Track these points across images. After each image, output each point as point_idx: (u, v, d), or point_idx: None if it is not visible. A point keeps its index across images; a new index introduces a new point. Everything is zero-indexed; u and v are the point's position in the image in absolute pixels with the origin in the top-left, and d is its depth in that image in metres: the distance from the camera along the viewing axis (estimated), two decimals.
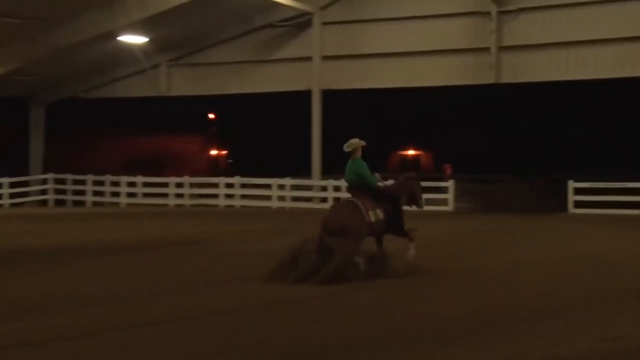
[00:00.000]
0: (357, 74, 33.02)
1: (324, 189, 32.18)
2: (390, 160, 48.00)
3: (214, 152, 51.83)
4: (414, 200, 13.38)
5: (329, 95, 33.46)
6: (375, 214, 12.54)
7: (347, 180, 12.98)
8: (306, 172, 33.26)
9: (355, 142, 12.92)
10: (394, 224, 12.82)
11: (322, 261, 11.89)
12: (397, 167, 46.83)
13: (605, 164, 33.07)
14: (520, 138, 39.10)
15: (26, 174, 37.41)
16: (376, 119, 42.74)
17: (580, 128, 37.52)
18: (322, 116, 33.24)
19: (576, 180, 28.59)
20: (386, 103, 39.98)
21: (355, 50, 32.91)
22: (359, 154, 12.94)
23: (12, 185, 34.84)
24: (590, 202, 28.16)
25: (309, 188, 33.04)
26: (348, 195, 13.03)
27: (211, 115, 51.16)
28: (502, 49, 30.64)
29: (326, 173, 32.89)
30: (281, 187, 32.62)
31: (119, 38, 32.05)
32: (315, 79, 33.23)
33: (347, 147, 12.92)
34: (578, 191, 28.55)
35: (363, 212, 12.43)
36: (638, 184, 28.04)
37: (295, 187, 32.85)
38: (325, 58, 33.25)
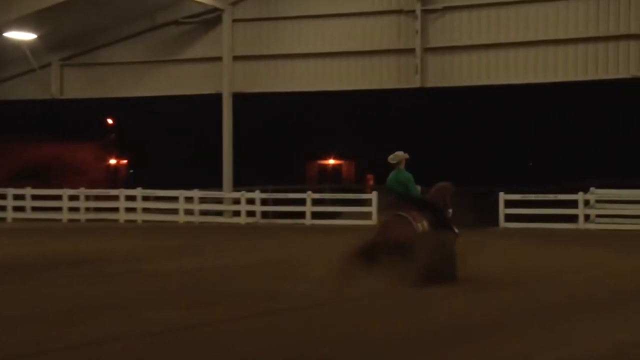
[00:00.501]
0: (272, 76, 32.83)
1: (236, 201, 31.81)
2: (308, 170, 47.73)
3: (112, 162, 50.84)
4: (444, 207, 14.63)
5: (241, 99, 33.09)
6: (422, 226, 13.98)
7: (391, 190, 14.44)
8: (217, 184, 32.87)
9: (401, 155, 14.49)
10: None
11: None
12: (316, 177, 46.61)
13: (537, 175, 33.38)
14: (448, 146, 39.28)
15: None
16: (293, 125, 42.45)
17: (511, 136, 37.90)
18: (234, 122, 32.79)
19: (507, 192, 28.62)
20: (304, 108, 39.69)
21: (270, 51, 32.62)
22: (402, 165, 14.45)
23: None
24: (522, 216, 28.22)
25: (219, 201, 32.65)
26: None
27: (109, 121, 50.14)
28: (428, 50, 30.61)
29: (239, 184, 32.57)
30: (189, 199, 32.20)
31: (4, 34, 30.94)
32: (226, 81, 32.83)
33: (392, 159, 14.43)
34: (509, 204, 28.57)
35: (414, 225, 13.89)
36: (572, 195, 28.21)
37: (204, 200, 32.55)
38: (237, 58, 32.90)
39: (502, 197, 28.64)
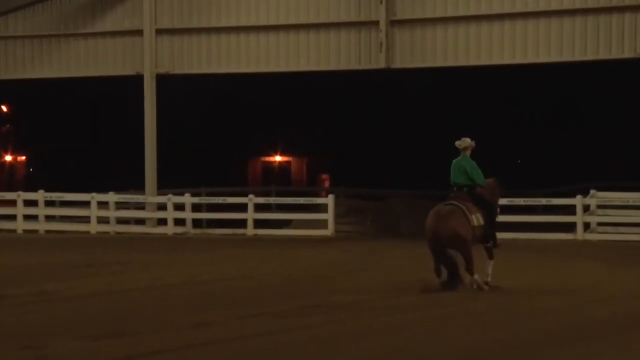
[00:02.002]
0: (204, 53, 32.67)
1: (162, 207, 31.65)
2: (251, 169, 47.59)
3: (7, 158, 50.37)
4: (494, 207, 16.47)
5: (166, 82, 32.91)
6: (477, 218, 15.73)
7: (453, 177, 16.18)
8: (137, 186, 32.62)
9: (469, 142, 16.25)
10: (489, 232, 16.10)
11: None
12: (260, 177, 46.46)
13: (527, 175, 33.64)
14: (418, 139, 39.43)
15: None
16: (231, 114, 42.29)
17: (495, 128, 38.16)
18: (158, 110, 32.57)
19: None
20: (244, 93, 39.65)
21: (202, 23, 32.46)
22: (469, 152, 16.22)
23: None
24: (508, 224, 28.39)
25: (141, 206, 32.42)
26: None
27: (3, 108, 49.64)
28: (395, 23, 30.65)
29: (164, 186, 32.37)
30: (103, 205, 31.88)
31: None
32: (148, 60, 32.60)
33: (460, 144, 16.22)
34: None
35: (469, 216, 15.67)
36: (569, 200, 28.43)
37: (122, 205, 32.25)
38: (161, 32, 32.68)
39: None
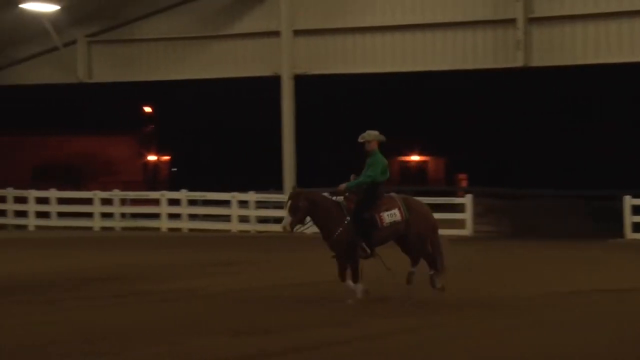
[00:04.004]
0: (340, 54, 32.74)
1: None
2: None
3: (151, 158, 51.36)
4: None
5: (302, 82, 33.05)
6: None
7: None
8: (277, 185, 32.87)
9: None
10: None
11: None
12: (396, 177, 46.37)
13: None
14: (560, 139, 38.81)
15: None
16: (366, 113, 42.25)
17: None
18: (295, 110, 32.79)
19: (636, 196, 28.15)
20: (380, 93, 39.66)
21: (338, 23, 32.53)
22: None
23: None
24: None
25: (280, 205, 32.67)
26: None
27: (147, 109, 50.66)
28: (533, 20, 30.26)
29: (301, 185, 32.32)
30: (243, 204, 32.17)
31: (21, 5, 31.36)
32: (285, 60, 32.83)
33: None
34: (638, 210, 28.11)
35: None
36: None
37: (261, 205, 32.49)
38: (298, 33, 32.84)
39: (629, 201, 28.17)
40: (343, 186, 14.93)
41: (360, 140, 15.13)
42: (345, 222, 14.73)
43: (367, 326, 12.90)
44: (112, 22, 35.07)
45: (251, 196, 32.23)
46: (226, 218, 32.55)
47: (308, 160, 34.09)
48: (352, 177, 14.99)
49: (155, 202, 33.54)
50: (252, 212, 32.25)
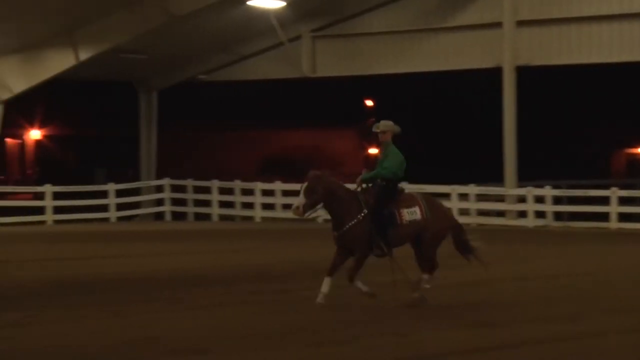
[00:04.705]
0: (564, 44, 32.14)
1: (522, 200, 31.44)
2: (614, 162, 46.23)
3: (373, 151, 51.63)
4: None
5: (524, 74, 32.58)
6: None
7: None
8: (497, 178, 32.61)
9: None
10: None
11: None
12: (624, 170, 44.95)
13: None
14: None
15: (136, 178, 38.22)
16: (591, 105, 41.27)
17: None
18: (517, 101, 32.34)
19: None
20: (606, 84, 38.52)
21: (562, 13, 31.88)
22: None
23: (120, 193, 35.62)
24: None
25: (500, 199, 32.31)
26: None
27: (369, 102, 50.99)
28: None
29: (524, 179, 32.13)
30: (463, 196, 32.06)
31: (248, 2, 32.11)
32: (507, 52, 32.40)
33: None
34: None
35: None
36: None
37: (482, 197, 32.35)
38: (521, 24, 32.34)
39: None
40: (359, 179, 14.07)
41: (374, 130, 14.29)
42: (361, 215, 13.79)
43: (598, 322, 12.65)
44: (335, 17, 35.50)
45: (472, 189, 32.06)
46: None
47: (529, 152, 33.50)
48: (364, 170, 14.20)
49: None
50: (473, 205, 32.08)
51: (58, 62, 32.50)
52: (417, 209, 13.92)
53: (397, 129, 14.21)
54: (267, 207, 35.15)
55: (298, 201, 13.89)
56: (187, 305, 14.23)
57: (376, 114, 51.17)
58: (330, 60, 35.99)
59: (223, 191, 35.91)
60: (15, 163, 47.21)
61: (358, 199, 13.89)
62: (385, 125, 14.20)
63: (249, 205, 35.43)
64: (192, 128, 45.20)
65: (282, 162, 45.25)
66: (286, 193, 34.94)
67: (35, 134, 46.65)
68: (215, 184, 35.88)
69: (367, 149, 51.23)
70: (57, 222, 33.54)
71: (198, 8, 30.76)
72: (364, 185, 14.03)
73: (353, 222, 13.73)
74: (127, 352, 10.97)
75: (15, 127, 42.82)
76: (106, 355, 10.85)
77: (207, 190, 35.88)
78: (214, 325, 12.56)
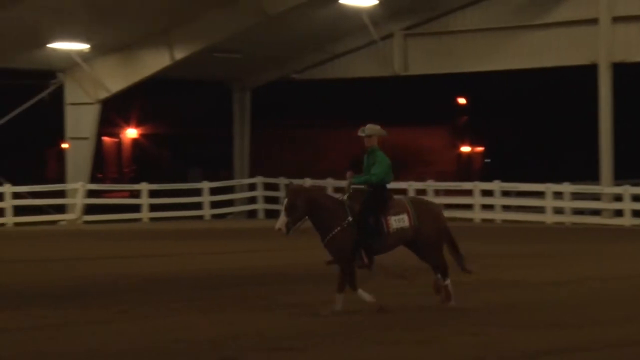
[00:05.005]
0: None
1: (618, 198, 30.97)
2: None
3: (465, 149, 51.44)
4: None
5: (620, 71, 32.11)
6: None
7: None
8: (592, 176, 32.24)
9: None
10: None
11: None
12: None
13: None
14: None
15: (229, 177, 38.58)
16: None
17: None
18: (613, 98, 31.86)
19: None
20: None
21: None
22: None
23: (214, 191, 36.01)
24: None
25: (596, 197, 31.98)
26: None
27: (461, 101, 50.73)
28: None
29: (620, 177, 31.77)
30: (558, 195, 31.73)
31: (340, 1, 32.18)
32: (603, 48, 31.89)
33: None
34: None
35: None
36: None
37: (577, 196, 31.97)
38: (617, 20, 31.84)
39: None
40: (347, 183, 13.43)
41: (359, 134, 13.48)
42: (346, 223, 13.11)
43: None
44: (427, 15, 35.34)
45: (566, 187, 31.69)
46: (540, 209, 32.24)
47: (626, 150, 33.02)
48: (348, 174, 13.53)
49: (468, 193, 33.67)
50: (568, 204, 31.73)
51: (154, 61, 33.03)
52: (405, 217, 13.32)
53: (383, 132, 13.56)
54: None
55: (280, 221, 13.11)
56: (279, 304, 14.18)
57: (469, 112, 50.98)
58: (422, 58, 35.85)
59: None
60: (113, 161, 48.07)
61: (344, 206, 13.26)
62: (372, 130, 13.53)
63: None
64: (283, 126, 45.48)
65: None
66: None
67: (131, 133, 47.45)
68: (307, 182, 36.03)
69: (459, 147, 51.04)
70: (152, 219, 34.06)
71: (291, 7, 30.95)
72: (351, 192, 13.38)
73: (337, 230, 13.07)
74: (231, 345, 11.09)
75: (112, 126, 43.67)
76: (202, 352, 10.92)
77: None
78: (304, 323, 12.60)
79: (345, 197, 13.36)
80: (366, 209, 13.20)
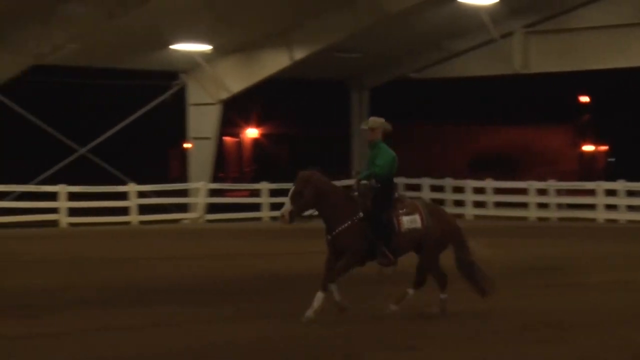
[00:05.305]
0: None
1: None
2: None
3: (588, 148, 50.67)
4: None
5: None
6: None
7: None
8: None
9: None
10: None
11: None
12: None
13: None
14: None
15: (348, 177, 38.66)
16: None
17: None
18: None
19: None
20: None
21: None
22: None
23: None
24: None
25: None
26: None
27: (584, 99, 49.97)
28: None
29: None
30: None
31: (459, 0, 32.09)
32: None
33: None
34: None
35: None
36: None
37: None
38: None
39: None
40: (356, 179, 12.92)
41: (363, 127, 13.14)
42: (356, 218, 12.59)
43: None
44: (549, 12, 34.97)
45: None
46: None
47: None
48: (354, 172, 13.31)
49: (591, 192, 33.21)
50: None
51: (273, 62, 33.39)
52: (417, 217, 12.82)
53: (387, 126, 13.04)
54: (478, 204, 35.02)
55: (284, 208, 12.70)
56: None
57: (592, 110, 50.15)
58: (544, 56, 35.48)
59: (433, 188, 35.96)
60: (234, 161, 48.76)
61: (354, 200, 12.79)
62: (375, 122, 13.01)
63: (459, 203, 35.35)
64: (401, 125, 45.37)
65: (492, 160, 44.94)
66: (498, 191, 34.81)
67: (252, 133, 48.01)
68: (425, 181, 35.98)
69: (581, 146, 50.29)
70: (273, 218, 34.36)
71: (410, 5, 30.94)
72: (361, 187, 12.88)
73: (346, 225, 12.58)
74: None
75: (233, 126, 44.27)
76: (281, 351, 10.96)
77: (416, 187, 35.94)
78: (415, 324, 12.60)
79: (355, 193, 12.90)
80: (378, 205, 12.76)
